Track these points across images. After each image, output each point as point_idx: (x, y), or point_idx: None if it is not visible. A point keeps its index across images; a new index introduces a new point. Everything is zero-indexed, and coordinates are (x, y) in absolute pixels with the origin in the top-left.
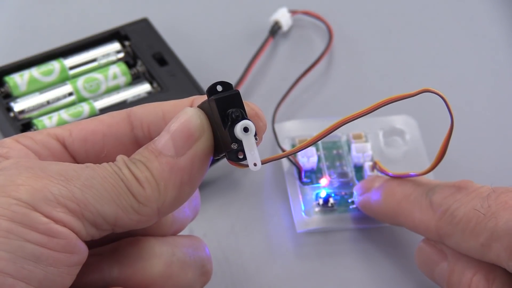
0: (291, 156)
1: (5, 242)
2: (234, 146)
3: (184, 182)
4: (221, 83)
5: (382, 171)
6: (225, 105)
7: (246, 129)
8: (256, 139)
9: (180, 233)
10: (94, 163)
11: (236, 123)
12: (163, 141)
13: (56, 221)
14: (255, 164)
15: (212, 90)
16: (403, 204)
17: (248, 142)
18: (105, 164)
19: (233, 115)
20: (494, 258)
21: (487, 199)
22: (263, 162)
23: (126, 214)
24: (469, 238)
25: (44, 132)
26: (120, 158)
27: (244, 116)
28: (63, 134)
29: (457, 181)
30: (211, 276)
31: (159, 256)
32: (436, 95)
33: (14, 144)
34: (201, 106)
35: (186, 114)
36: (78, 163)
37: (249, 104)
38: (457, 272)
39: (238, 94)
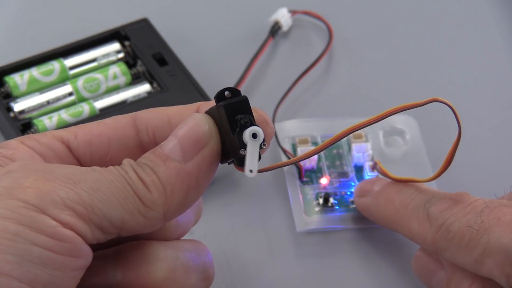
0: (291, 155)
1: (12, 245)
2: (243, 152)
3: (191, 187)
4: (229, 89)
5: (383, 173)
6: (234, 111)
7: (254, 135)
8: (264, 145)
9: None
10: (99, 166)
11: (245, 129)
12: (170, 145)
13: (64, 224)
14: (251, 171)
15: (220, 96)
16: (401, 213)
17: (253, 148)
18: (111, 167)
19: (241, 121)
20: (488, 274)
21: (480, 214)
22: (264, 170)
23: (132, 217)
24: (463, 253)
25: (49, 134)
26: (127, 161)
27: (252, 122)
28: (68, 137)
29: (454, 193)
30: (213, 280)
31: (163, 260)
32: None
33: (19, 145)
34: (208, 112)
35: (194, 120)
36: (82, 166)
37: (257, 110)
38: (454, 281)
39: (246, 100)
